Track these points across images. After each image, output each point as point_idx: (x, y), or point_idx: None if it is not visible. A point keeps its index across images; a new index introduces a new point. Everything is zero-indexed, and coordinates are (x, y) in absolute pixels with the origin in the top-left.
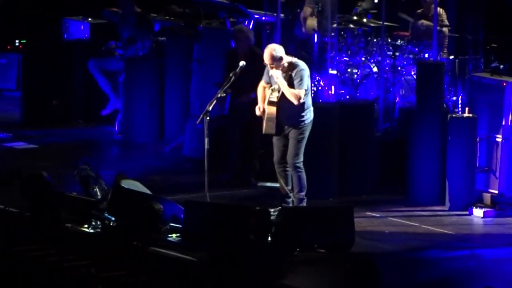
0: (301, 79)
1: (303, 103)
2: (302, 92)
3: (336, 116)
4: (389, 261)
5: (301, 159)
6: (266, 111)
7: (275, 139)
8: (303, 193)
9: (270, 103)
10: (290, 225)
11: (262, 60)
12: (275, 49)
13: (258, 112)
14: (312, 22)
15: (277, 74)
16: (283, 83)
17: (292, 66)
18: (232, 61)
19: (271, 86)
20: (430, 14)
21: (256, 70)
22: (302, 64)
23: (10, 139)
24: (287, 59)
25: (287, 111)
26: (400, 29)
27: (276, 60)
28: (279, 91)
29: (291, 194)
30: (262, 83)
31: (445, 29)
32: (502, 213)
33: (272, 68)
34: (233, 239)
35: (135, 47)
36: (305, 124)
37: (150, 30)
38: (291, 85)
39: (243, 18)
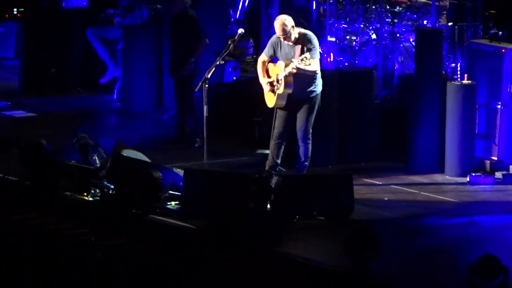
0: (314, 50)
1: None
2: (317, 62)
3: (335, 84)
4: (388, 228)
5: (311, 131)
6: (277, 93)
7: (281, 111)
8: (307, 163)
9: (279, 97)
10: (289, 192)
11: (196, 21)
12: (285, 20)
13: (267, 89)
14: None
15: (295, 65)
16: (303, 68)
17: (302, 36)
18: (172, 26)
19: (271, 61)
20: None
21: (189, 32)
22: (311, 34)
23: (9, 107)
24: (297, 29)
25: (299, 84)
26: None
27: (287, 32)
28: (280, 82)
29: (273, 171)
30: (262, 57)
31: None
32: (501, 180)
33: (284, 39)
34: (232, 206)
35: (133, 15)
36: (316, 94)
37: None
38: (303, 54)
39: None
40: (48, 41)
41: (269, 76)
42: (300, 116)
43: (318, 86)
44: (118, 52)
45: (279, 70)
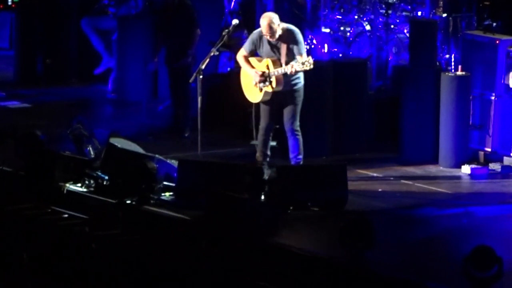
0: (301, 44)
1: None
2: (307, 57)
3: (329, 74)
4: (382, 219)
5: (298, 123)
6: (264, 90)
7: (266, 106)
8: (301, 156)
9: (266, 94)
10: (283, 183)
11: (193, 11)
12: (273, 18)
13: (256, 82)
14: None
15: (295, 68)
16: (298, 70)
17: (287, 32)
18: (162, 15)
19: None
20: None
21: (184, 21)
22: (296, 29)
23: (4, 98)
24: (281, 25)
25: (282, 78)
26: None
27: (274, 30)
28: (270, 81)
29: (265, 163)
30: (242, 52)
31: None
32: (494, 171)
33: (270, 37)
34: (226, 197)
35: (128, 6)
36: (300, 86)
37: None
38: (290, 51)
39: None
40: (43, 31)
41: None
42: (286, 109)
43: (301, 77)
44: (113, 43)
45: (264, 67)
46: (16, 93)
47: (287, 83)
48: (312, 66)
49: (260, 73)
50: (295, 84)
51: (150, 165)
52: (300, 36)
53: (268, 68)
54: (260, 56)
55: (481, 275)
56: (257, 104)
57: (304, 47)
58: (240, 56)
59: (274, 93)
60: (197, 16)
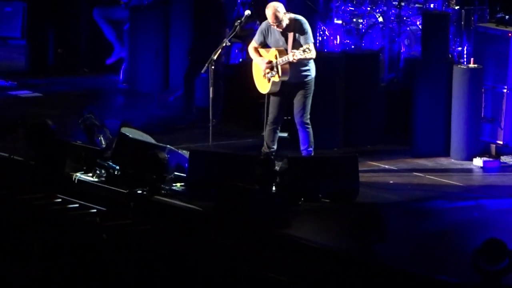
0: (308, 34)
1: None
2: (312, 47)
3: (342, 66)
4: (393, 211)
5: (309, 115)
6: (272, 80)
7: (275, 97)
8: (311, 148)
9: (274, 84)
10: (294, 174)
11: (223, 8)
12: (278, 7)
13: (265, 71)
14: None
15: (296, 56)
16: (299, 58)
17: (294, 22)
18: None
19: (263, 46)
20: None
21: (215, 18)
22: (303, 19)
23: (15, 87)
24: (287, 15)
25: (293, 69)
26: None
27: (280, 19)
28: (277, 69)
29: (272, 155)
30: (253, 44)
31: None
32: (506, 164)
33: (276, 27)
34: (237, 188)
35: None
36: (310, 78)
37: None
38: (297, 41)
39: None
40: (54, 21)
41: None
42: (297, 101)
43: (312, 70)
44: (125, 33)
45: (273, 57)
46: (27, 83)
47: (297, 74)
48: (313, 54)
49: (268, 61)
50: (306, 76)
51: (161, 156)
52: (307, 26)
53: (276, 58)
54: (269, 47)
55: (491, 268)
56: (269, 96)
57: (311, 37)
58: (251, 47)
59: (283, 84)
60: (227, 13)
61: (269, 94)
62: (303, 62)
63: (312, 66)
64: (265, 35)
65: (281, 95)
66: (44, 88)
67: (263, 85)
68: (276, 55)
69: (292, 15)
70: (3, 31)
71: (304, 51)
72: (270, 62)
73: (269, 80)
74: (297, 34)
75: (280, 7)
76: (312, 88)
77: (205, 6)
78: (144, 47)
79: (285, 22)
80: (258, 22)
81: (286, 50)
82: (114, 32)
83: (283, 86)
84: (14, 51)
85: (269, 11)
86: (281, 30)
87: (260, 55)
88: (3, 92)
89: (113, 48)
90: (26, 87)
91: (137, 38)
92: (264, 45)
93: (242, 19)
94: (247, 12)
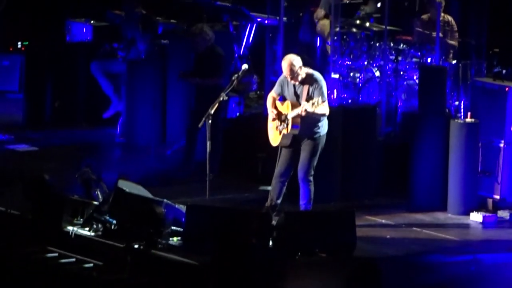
0: (322, 90)
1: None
2: (326, 104)
3: (339, 120)
4: (390, 265)
5: (312, 172)
6: (282, 132)
7: (285, 150)
8: (310, 205)
9: (284, 137)
10: (292, 229)
11: (222, 58)
12: (294, 60)
13: (271, 119)
14: (325, 23)
15: (305, 108)
16: (309, 111)
17: (310, 77)
18: (195, 63)
19: (280, 98)
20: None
21: (215, 68)
22: (319, 75)
23: (13, 141)
24: (304, 70)
25: (304, 124)
26: (403, 33)
27: (295, 72)
28: (288, 122)
29: (275, 210)
30: (272, 94)
31: (454, 42)
32: (503, 219)
33: (291, 79)
34: (234, 243)
35: (138, 50)
36: (320, 135)
37: (154, 31)
38: (310, 95)
39: (246, 21)
40: (52, 75)
41: (277, 113)
42: (303, 156)
43: (323, 127)
44: (122, 86)
45: (286, 110)
46: (24, 136)
47: (308, 129)
48: (324, 110)
49: (276, 112)
50: (315, 133)
51: (158, 210)
52: (322, 83)
53: (288, 110)
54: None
55: None
56: (269, 150)
57: (325, 93)
58: (270, 96)
59: (293, 138)
60: (225, 64)
61: (279, 147)
62: (315, 118)
63: (324, 123)
64: (283, 87)
65: (290, 149)
66: (41, 142)
67: (274, 137)
68: (289, 108)
69: (310, 71)
70: (1, 84)
71: (313, 104)
72: (278, 114)
73: (280, 132)
74: (311, 89)
75: (296, 60)
76: (321, 145)
77: (202, 60)
78: (141, 101)
79: (301, 76)
80: (255, 76)
81: (300, 103)
82: (111, 85)
83: (294, 140)
84: (12, 104)
85: (284, 63)
86: (296, 83)
87: (276, 106)
88: (0, 146)
89: (111, 102)
90: (23, 140)
91: (134, 92)
92: (281, 96)
93: (240, 73)
94: (245, 66)
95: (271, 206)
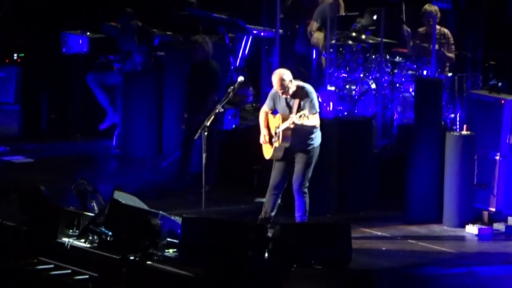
0: (313, 103)
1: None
2: (317, 116)
3: (335, 132)
4: (386, 278)
5: (307, 184)
6: (274, 145)
7: (278, 163)
8: (305, 217)
9: (276, 150)
10: (287, 241)
11: (215, 74)
12: (283, 74)
13: (262, 140)
14: (319, 36)
15: (293, 121)
16: (300, 123)
17: (301, 90)
18: (191, 73)
19: (272, 112)
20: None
21: (208, 82)
22: (310, 88)
23: (8, 152)
24: (295, 83)
25: (297, 137)
26: (399, 45)
27: (285, 87)
28: (279, 135)
29: (269, 222)
30: (264, 108)
31: (451, 54)
32: (498, 231)
33: (282, 93)
34: (230, 255)
35: (134, 61)
36: (314, 147)
37: (150, 43)
38: (301, 108)
39: (242, 34)
40: (48, 86)
41: (268, 128)
42: (297, 168)
43: (316, 139)
44: (118, 98)
45: (278, 123)
46: (20, 148)
47: (300, 142)
48: (313, 122)
49: (267, 131)
50: (309, 145)
51: (154, 222)
52: (313, 95)
53: (280, 123)
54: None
55: None
56: (265, 162)
57: (316, 106)
58: (262, 111)
59: (286, 150)
60: (218, 79)
61: (272, 159)
62: (307, 130)
63: (317, 135)
64: (274, 101)
65: (283, 162)
66: (37, 154)
67: (267, 150)
68: (280, 121)
69: (300, 83)
70: None
71: (300, 116)
72: (269, 134)
73: (272, 145)
74: (302, 102)
75: (286, 74)
76: (315, 157)
77: (198, 72)
78: (137, 113)
79: (291, 89)
80: (251, 88)
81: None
82: (107, 97)
83: (286, 153)
84: (7, 116)
85: (275, 77)
86: (287, 96)
87: (268, 120)
88: None
89: (106, 114)
90: (19, 152)
91: (130, 103)
92: (274, 110)
93: (235, 85)
94: (240, 78)
95: (265, 218)
